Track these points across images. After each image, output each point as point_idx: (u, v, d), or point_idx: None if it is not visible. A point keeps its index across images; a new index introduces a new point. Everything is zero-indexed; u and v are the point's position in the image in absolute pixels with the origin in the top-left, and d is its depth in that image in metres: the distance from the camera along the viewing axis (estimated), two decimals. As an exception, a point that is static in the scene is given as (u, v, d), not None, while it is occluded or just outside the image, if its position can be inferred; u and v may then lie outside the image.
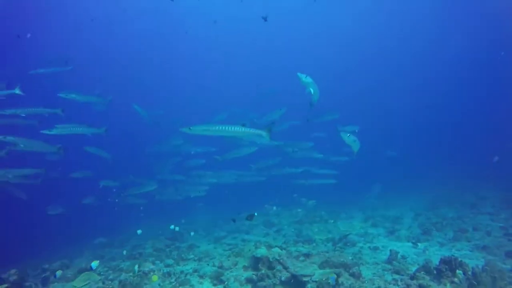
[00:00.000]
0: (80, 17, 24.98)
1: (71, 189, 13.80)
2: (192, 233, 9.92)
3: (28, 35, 22.26)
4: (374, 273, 6.08)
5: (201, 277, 6.59)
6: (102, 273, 7.54)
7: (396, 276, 5.87)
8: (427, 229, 9.03)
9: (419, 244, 7.96)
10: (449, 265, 5.25)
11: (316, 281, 5.21)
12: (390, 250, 6.92)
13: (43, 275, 7.43)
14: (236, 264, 6.77)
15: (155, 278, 5.86)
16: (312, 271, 5.67)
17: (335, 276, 5.15)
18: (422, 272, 5.47)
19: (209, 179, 12.41)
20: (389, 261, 6.67)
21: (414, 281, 5.28)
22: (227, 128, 5.39)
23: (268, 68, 33.08)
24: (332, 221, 10.69)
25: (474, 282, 5.01)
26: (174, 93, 33.31)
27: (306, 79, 6.63)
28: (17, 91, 7.42)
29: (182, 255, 8.26)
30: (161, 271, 6.94)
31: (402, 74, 33.83)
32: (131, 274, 6.57)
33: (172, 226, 9.70)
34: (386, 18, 30.00)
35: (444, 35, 29.89)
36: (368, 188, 16.48)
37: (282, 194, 14.25)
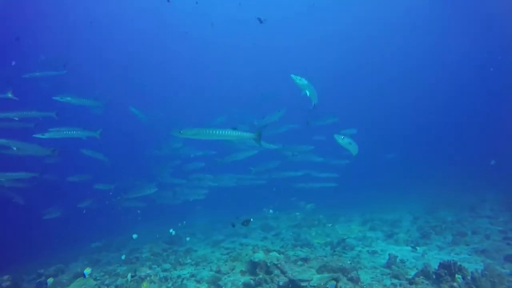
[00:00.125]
0: (80, 19, 25.00)
1: (69, 192, 13.73)
2: (188, 238, 9.82)
3: (28, 41, 22.35)
4: (373, 278, 6.03)
5: (198, 282, 6.51)
6: (98, 278, 7.45)
7: (395, 281, 5.82)
8: (426, 233, 8.99)
9: (418, 248, 7.91)
10: (448, 269, 5.21)
11: (314, 286, 5.15)
12: (389, 254, 6.87)
13: (38, 280, 7.34)
14: (233, 269, 6.70)
15: (145, 285, 5.78)
16: (310, 275, 5.61)
17: (335, 283, 5.10)
18: (421, 277, 5.42)
19: (209, 182, 12.35)
20: (387, 265, 6.62)
21: (413, 286, 5.24)
22: (217, 132, 5.44)
23: (267, 70, 33.16)
24: (330, 225, 10.63)
25: (473, 287, 4.97)
26: (174, 95, 33.35)
27: (300, 81, 6.44)
28: (9, 95, 7.37)
29: (180, 260, 8.18)
30: (158, 275, 6.87)
31: (402, 76, 33.98)
32: (126, 279, 6.49)
33: (171, 230, 9.65)
34: (385, 21, 30.14)
35: (444, 37, 30.03)
36: (367, 189, 16.49)
37: (281, 198, 14.21)
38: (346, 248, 8.19)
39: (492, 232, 8.66)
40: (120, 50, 30.94)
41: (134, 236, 8.63)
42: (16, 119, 7.36)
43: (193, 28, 29.59)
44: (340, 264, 5.97)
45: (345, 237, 9.03)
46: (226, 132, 5.46)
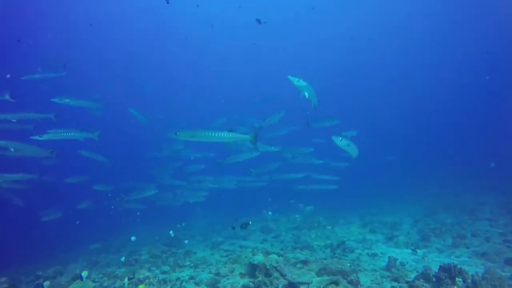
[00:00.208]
0: (80, 19, 25.05)
1: (67, 193, 13.69)
2: (186, 241, 9.78)
3: (30, 41, 22.40)
4: (373, 281, 6.00)
5: (197, 284, 6.48)
6: (96, 279, 7.41)
7: (395, 284, 5.79)
8: (426, 235, 8.96)
9: (418, 250, 7.89)
10: (449, 272, 5.18)
11: (313, 289, 5.13)
12: (389, 257, 6.84)
13: (36, 282, 7.29)
14: (232, 271, 6.67)
15: (142, 287, 5.76)
16: (310, 278, 5.58)
17: (334, 286, 5.07)
18: (421, 280, 5.39)
19: (209, 184, 12.33)
20: (387, 268, 6.59)
21: (413, 289, 5.20)
22: (213, 133, 5.46)
23: (267, 71, 33.23)
24: (330, 227, 10.60)
25: (474, 290, 4.94)
26: (174, 96, 33.39)
27: (298, 82, 6.32)
28: (7, 97, 7.36)
29: (179, 262, 8.14)
30: (157, 278, 6.83)
31: (402, 77, 34.05)
32: (123, 282, 6.45)
33: (171, 232, 9.63)
34: (385, 23, 30.23)
35: (444, 37, 30.14)
36: (367, 191, 16.46)
37: (281, 200, 14.17)
38: (346, 250, 8.16)
39: (492, 234, 8.63)
40: (120, 51, 31.03)
41: (133, 238, 8.60)
42: (14, 120, 7.34)
43: (193, 29, 29.72)
44: (340, 266, 5.95)
45: (345, 240, 9.01)
46: (222, 134, 5.47)
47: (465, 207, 11.81)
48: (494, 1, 23.93)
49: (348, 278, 5.60)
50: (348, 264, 6.58)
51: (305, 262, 6.55)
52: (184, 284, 6.52)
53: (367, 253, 7.93)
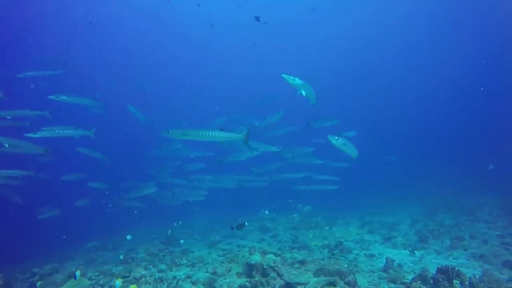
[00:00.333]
0: (80, 19, 25.00)
1: (66, 191, 13.66)
2: (182, 241, 9.74)
3: (30, 39, 22.33)
4: (370, 282, 5.98)
5: (193, 283, 6.45)
6: (93, 277, 7.38)
7: (392, 285, 5.77)
8: (424, 237, 8.95)
9: (415, 252, 7.86)
10: (446, 274, 5.16)
11: (310, 290, 5.10)
12: (386, 258, 6.82)
13: (31, 280, 7.25)
14: (229, 271, 6.63)
15: (134, 287, 5.73)
16: (307, 279, 5.55)
17: None
18: (419, 282, 5.37)
19: (209, 183, 12.30)
20: (385, 269, 6.57)
21: (410, 291, 5.18)
22: (205, 132, 5.55)
23: (268, 71, 33.15)
24: (327, 227, 10.58)
25: (471, 293, 4.92)
26: (174, 96, 33.34)
27: (294, 81, 6.18)
28: (1, 94, 7.32)
29: (176, 260, 8.12)
30: (153, 276, 6.80)
31: (402, 77, 34.04)
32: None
33: (169, 231, 9.61)
34: (386, 23, 30.21)
35: (444, 38, 30.12)
36: (366, 191, 16.44)
37: (280, 200, 14.16)
38: (344, 251, 8.14)
39: (490, 237, 8.61)
40: (120, 51, 31.00)
41: (128, 237, 8.57)
42: (9, 117, 7.28)
43: (193, 29, 29.69)
44: (337, 267, 5.92)
45: (342, 240, 8.99)
46: (214, 133, 5.56)
47: (464, 208, 11.80)
48: (494, 1, 23.92)
49: (346, 279, 5.57)
50: (346, 265, 6.55)
51: (302, 262, 6.52)
52: (180, 283, 6.49)
53: (365, 254, 7.91)
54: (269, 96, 17.31)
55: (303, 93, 6.44)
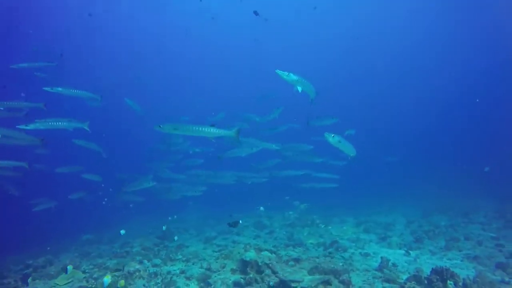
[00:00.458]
0: (81, 14, 24.70)
1: (62, 183, 13.59)
2: (176, 238, 9.70)
3: (31, 31, 22.05)
4: (364, 281, 5.99)
5: (187, 278, 6.43)
6: (87, 270, 7.34)
7: (387, 285, 5.78)
8: (419, 237, 8.99)
9: (410, 252, 7.89)
10: (441, 275, 5.16)
11: (304, 288, 5.09)
12: (381, 258, 6.83)
13: (25, 272, 7.21)
14: (224, 267, 6.63)
15: (121, 283, 5.71)
16: (301, 277, 5.55)
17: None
18: (413, 282, 5.38)
19: (209, 179, 12.26)
20: (380, 268, 6.58)
21: (404, 291, 5.19)
22: (196, 128, 5.66)
23: (268, 69, 32.93)
24: (323, 225, 10.58)
25: (465, 294, 4.94)
26: (174, 92, 33.21)
27: (288, 76, 6.03)
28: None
29: (170, 255, 8.09)
30: (148, 271, 6.77)
31: (403, 77, 34.01)
32: (116, 273, 6.38)
33: (164, 227, 9.56)
34: (387, 23, 30.07)
35: (445, 39, 30.05)
36: (363, 190, 16.47)
37: (278, 196, 14.14)
38: (339, 249, 8.15)
39: (485, 238, 8.66)
40: (120, 47, 30.78)
41: (122, 232, 8.52)
42: (2, 108, 7.16)
43: (194, 25, 29.43)
44: (332, 266, 5.92)
45: (338, 238, 9.00)
46: (205, 129, 5.67)
47: (460, 210, 11.86)
48: (495, 1, 23.85)
49: (340, 278, 5.57)
50: (341, 264, 6.56)
51: (297, 260, 6.52)
52: (174, 278, 6.47)
53: (360, 253, 7.93)
54: (269, 94, 17.25)
55: (299, 89, 6.33)
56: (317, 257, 6.98)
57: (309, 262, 6.34)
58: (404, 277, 5.95)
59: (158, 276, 6.57)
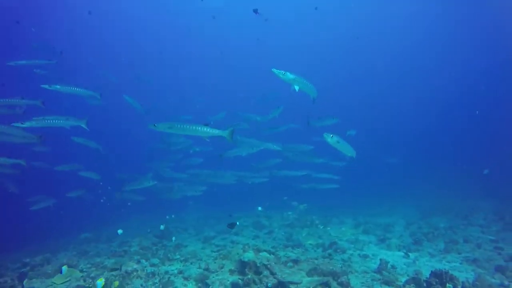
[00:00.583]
0: (80, 9, 24.62)
1: (63, 181, 13.55)
2: (173, 238, 9.68)
3: (33, 29, 21.96)
4: (363, 283, 5.96)
5: (185, 279, 6.40)
6: (84, 269, 7.30)
7: (385, 287, 5.75)
8: (418, 239, 8.97)
9: (409, 254, 7.86)
10: (440, 278, 5.14)
11: (303, 289, 5.06)
12: (380, 259, 6.81)
13: (22, 270, 7.17)
14: (222, 267, 6.60)
15: (115, 284, 5.68)
16: (300, 278, 5.52)
17: None
18: (412, 284, 5.36)
19: (209, 178, 12.23)
20: (378, 270, 6.55)
21: (403, 294, 5.17)
22: (190, 127, 5.69)
23: (269, 70, 32.83)
24: (322, 226, 10.56)
25: (464, 297, 4.91)
26: (175, 91, 33.11)
27: (284, 76, 5.94)
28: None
29: (169, 255, 8.05)
30: (145, 270, 6.74)
31: (403, 78, 33.97)
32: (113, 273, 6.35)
33: (162, 226, 9.52)
34: (388, 24, 30.04)
35: (445, 40, 30.01)
36: (363, 191, 16.44)
37: (278, 196, 14.12)
38: (338, 250, 8.13)
39: (484, 241, 8.64)
40: (120, 47, 30.67)
41: (119, 231, 8.47)
42: None
43: (194, 24, 29.38)
44: (331, 267, 5.89)
45: (337, 240, 8.97)
46: (199, 128, 5.71)
47: (459, 212, 11.83)
48: (495, 1, 23.81)
49: (339, 280, 5.54)
50: (339, 265, 6.54)
51: (296, 261, 6.49)
52: (172, 278, 6.44)
53: (359, 254, 7.90)
54: (269, 94, 17.22)
55: (296, 88, 6.25)
56: (316, 259, 6.95)
57: (307, 264, 6.31)
58: (403, 279, 5.92)
59: (156, 276, 6.54)
